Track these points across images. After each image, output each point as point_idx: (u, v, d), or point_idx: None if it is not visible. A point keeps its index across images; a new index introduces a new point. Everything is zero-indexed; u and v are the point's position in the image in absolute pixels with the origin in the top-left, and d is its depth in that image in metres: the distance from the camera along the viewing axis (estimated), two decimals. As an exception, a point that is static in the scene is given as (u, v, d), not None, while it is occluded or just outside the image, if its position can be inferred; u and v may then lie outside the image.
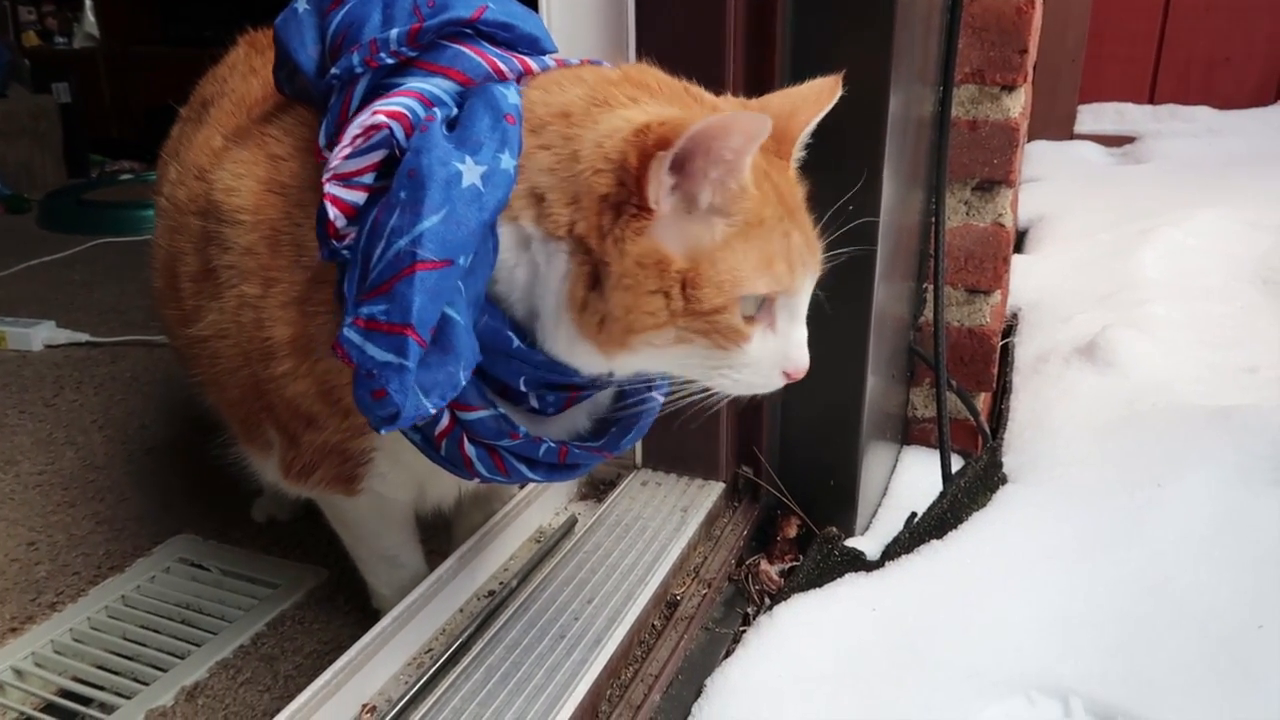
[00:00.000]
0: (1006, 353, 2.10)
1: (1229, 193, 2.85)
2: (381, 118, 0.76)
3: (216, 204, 0.92)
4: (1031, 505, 1.34)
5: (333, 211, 0.76)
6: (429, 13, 0.82)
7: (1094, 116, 3.81)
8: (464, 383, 0.77)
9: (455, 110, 0.80)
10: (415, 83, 0.81)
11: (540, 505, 1.28)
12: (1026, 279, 2.44)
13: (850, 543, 1.28)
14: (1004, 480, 1.40)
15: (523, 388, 0.86)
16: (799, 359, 0.83)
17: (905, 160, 1.29)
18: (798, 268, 0.81)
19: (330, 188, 0.76)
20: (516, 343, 0.82)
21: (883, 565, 1.21)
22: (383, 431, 0.76)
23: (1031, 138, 3.83)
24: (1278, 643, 1.10)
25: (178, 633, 1.26)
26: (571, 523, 1.24)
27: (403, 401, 0.73)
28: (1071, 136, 3.79)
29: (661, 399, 0.99)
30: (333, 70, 0.81)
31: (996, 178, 1.46)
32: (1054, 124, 3.77)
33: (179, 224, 1.00)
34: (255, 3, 4.16)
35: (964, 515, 1.29)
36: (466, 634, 1.02)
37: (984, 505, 1.34)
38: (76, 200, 3.42)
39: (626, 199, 0.75)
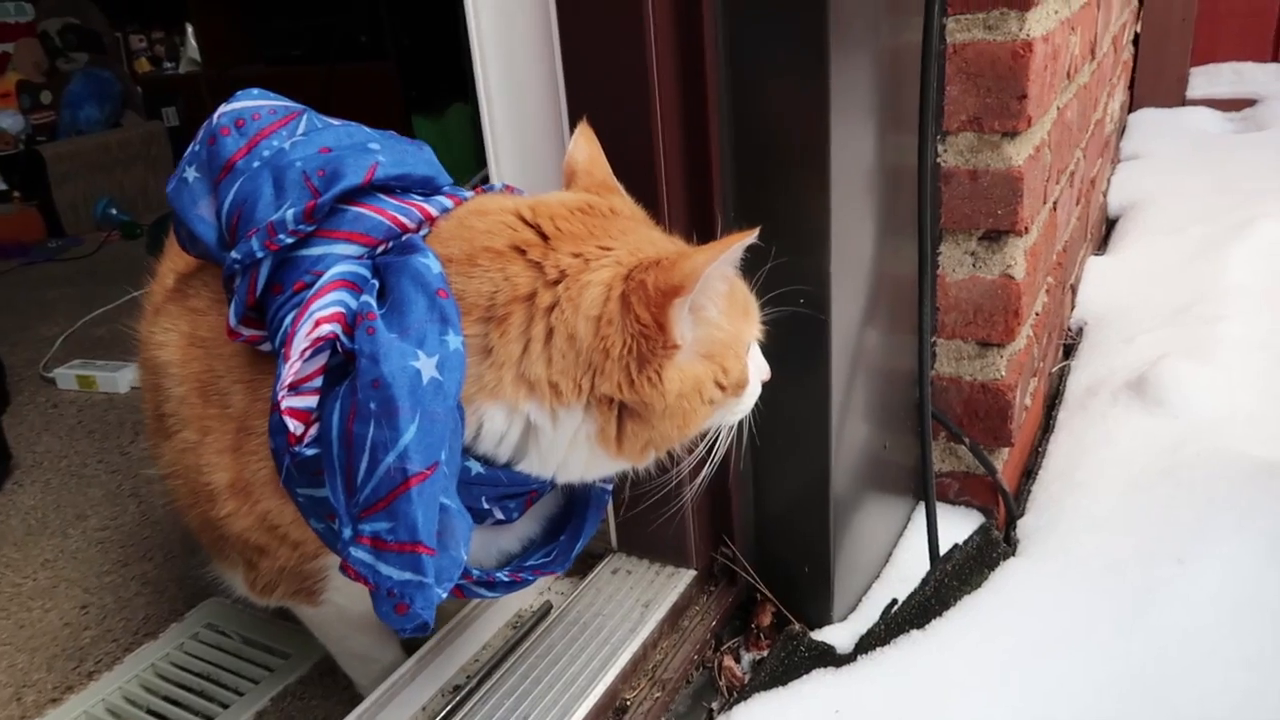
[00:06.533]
0: (1064, 376, 1.98)
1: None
2: (325, 328, 0.76)
3: (151, 357, 0.97)
4: (1030, 587, 1.27)
5: (292, 424, 0.76)
6: (321, 184, 0.83)
7: (1208, 79, 3.50)
8: (466, 557, 0.80)
9: (375, 280, 0.81)
10: (327, 259, 0.81)
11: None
12: (1099, 286, 2.29)
13: (829, 630, 1.25)
14: (1006, 555, 1.33)
15: (486, 505, 0.89)
16: (766, 366, 0.94)
17: (880, 211, 1.23)
18: (750, 296, 0.92)
19: (287, 401, 0.76)
20: (477, 469, 0.85)
21: (855, 659, 1.18)
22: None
23: (1137, 106, 3.56)
24: (1274, 762, 1.02)
25: (194, 705, 1.35)
26: (546, 609, 1.26)
27: (429, 614, 0.77)
28: (1183, 102, 3.50)
29: (610, 489, 1.02)
30: (233, 255, 0.83)
31: (1002, 228, 1.37)
32: (1162, 89, 3.50)
33: (142, 360, 1.06)
34: (334, 24, 4.24)
35: (952, 600, 1.24)
36: (418, 744, 1.05)
37: (978, 585, 1.27)
38: (180, 226, 3.63)
39: (651, 348, 0.80)
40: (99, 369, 2.41)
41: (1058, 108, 1.58)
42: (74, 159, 3.94)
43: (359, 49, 3.95)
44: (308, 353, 0.76)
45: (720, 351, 0.85)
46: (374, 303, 0.78)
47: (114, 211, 3.85)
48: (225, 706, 1.33)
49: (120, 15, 4.59)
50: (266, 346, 0.86)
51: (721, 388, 0.86)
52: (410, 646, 1.22)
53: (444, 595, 0.77)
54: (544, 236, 0.83)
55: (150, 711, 1.35)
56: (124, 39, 4.58)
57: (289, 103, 0.92)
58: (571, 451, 0.86)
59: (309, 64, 3.97)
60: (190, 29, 4.47)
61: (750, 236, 0.80)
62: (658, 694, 1.12)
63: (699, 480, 0.96)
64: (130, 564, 1.68)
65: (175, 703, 1.36)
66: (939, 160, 1.36)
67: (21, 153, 3.92)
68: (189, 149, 0.91)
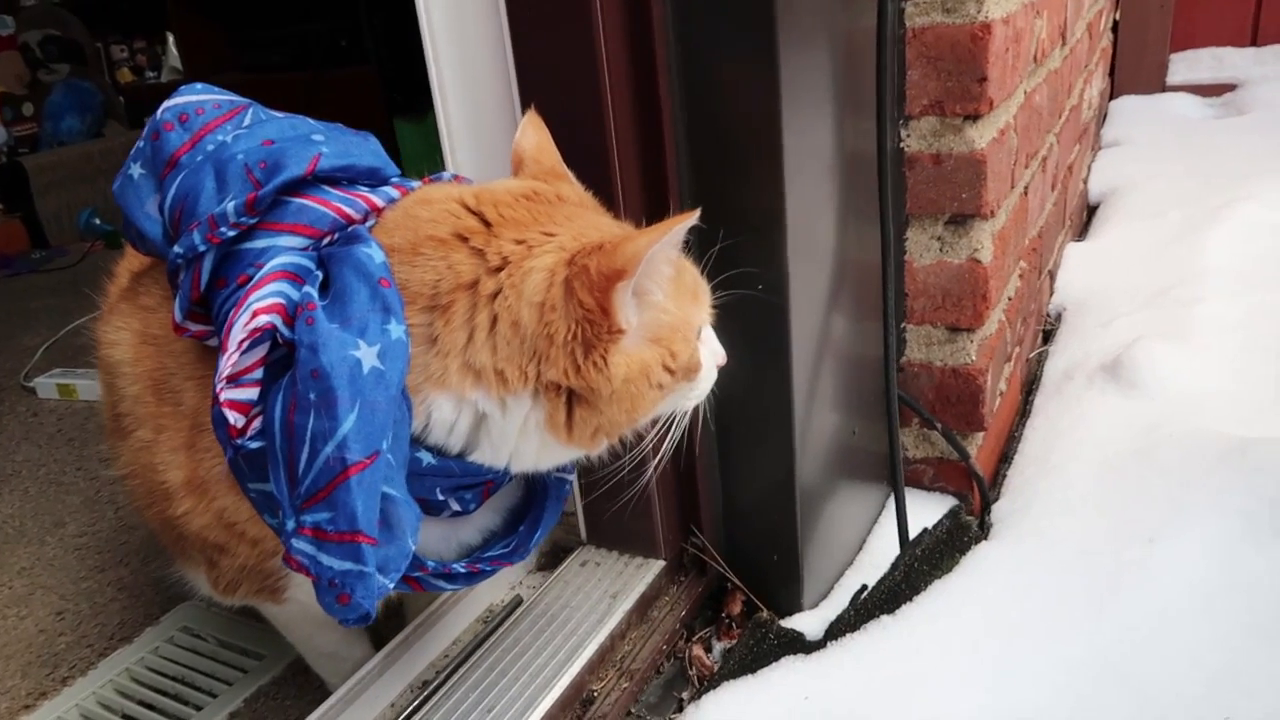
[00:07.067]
0: (1042, 362, 1.98)
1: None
2: (262, 318, 0.76)
3: (104, 357, 0.97)
4: (1002, 570, 1.27)
5: (232, 416, 0.76)
6: (262, 175, 0.82)
7: (1188, 65, 3.49)
8: (414, 547, 0.80)
9: (319, 272, 0.81)
10: (270, 251, 0.81)
11: (493, 581, 1.30)
12: (1078, 272, 2.29)
13: (799, 617, 1.24)
14: (977, 538, 1.33)
15: (440, 496, 0.88)
16: (722, 351, 0.93)
17: (841, 197, 1.22)
18: (700, 279, 0.91)
19: (225, 393, 0.76)
20: (428, 460, 0.84)
21: (825, 646, 1.17)
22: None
23: (1118, 93, 3.56)
24: (1242, 739, 1.01)
25: (168, 708, 1.34)
26: (517, 603, 1.25)
27: (370, 605, 0.76)
28: (1163, 88, 3.50)
29: (572, 478, 1.02)
30: (175, 249, 0.82)
31: (968, 212, 1.36)
32: (1143, 76, 3.50)
33: (97, 359, 1.05)
34: (314, 30, 4.22)
35: (922, 584, 1.23)
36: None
37: (949, 570, 1.27)
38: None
39: (596, 333, 0.79)
40: (79, 377, 2.40)
41: (1025, 92, 1.57)
42: (56, 170, 3.93)
43: (339, 54, 3.94)
44: (245, 344, 0.75)
45: (668, 335, 0.85)
46: (315, 293, 0.78)
47: (97, 221, 3.84)
48: (199, 709, 1.33)
49: (101, 26, 4.59)
50: (214, 341, 0.86)
51: (670, 372, 0.85)
52: (381, 642, 1.21)
53: (389, 586, 0.76)
54: (487, 223, 0.82)
55: (124, 716, 1.35)
56: (105, 49, 4.58)
57: (234, 97, 0.92)
58: (522, 440, 0.85)
59: (290, 70, 3.96)
60: (171, 38, 4.47)
61: (692, 218, 0.79)
62: (625, 684, 1.12)
63: (658, 461, 0.96)
64: (107, 570, 1.67)
65: (149, 706, 1.35)
66: (902, 145, 1.36)
67: (4, 165, 3.92)
68: (135, 146, 0.91)
